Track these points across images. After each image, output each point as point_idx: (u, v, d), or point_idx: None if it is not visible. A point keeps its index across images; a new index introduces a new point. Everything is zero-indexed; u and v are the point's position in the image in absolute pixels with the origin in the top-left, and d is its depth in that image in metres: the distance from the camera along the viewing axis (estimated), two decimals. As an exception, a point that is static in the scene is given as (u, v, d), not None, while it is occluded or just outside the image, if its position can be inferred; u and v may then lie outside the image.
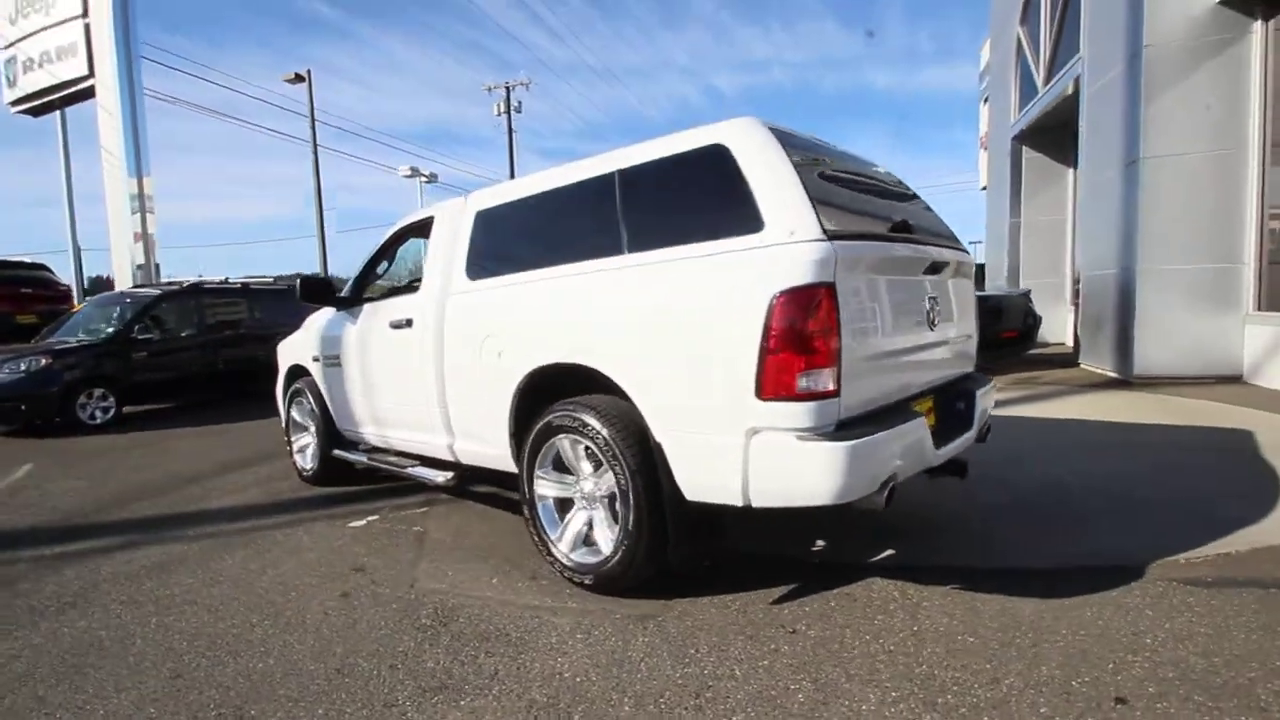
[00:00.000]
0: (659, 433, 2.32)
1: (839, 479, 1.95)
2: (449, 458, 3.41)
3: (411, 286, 4.40)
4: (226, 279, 9.66)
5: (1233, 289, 6.38)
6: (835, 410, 2.02)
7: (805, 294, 1.95)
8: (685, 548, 2.39)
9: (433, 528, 3.55)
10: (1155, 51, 6.38)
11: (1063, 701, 1.79)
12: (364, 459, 4.04)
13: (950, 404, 2.74)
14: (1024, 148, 11.87)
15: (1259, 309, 6.29)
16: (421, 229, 3.98)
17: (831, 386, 1.99)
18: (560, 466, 2.78)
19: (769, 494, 2.09)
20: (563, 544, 2.72)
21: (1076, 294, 9.04)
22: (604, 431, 2.43)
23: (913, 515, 3.28)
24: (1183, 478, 3.73)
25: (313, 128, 21.62)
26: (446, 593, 2.71)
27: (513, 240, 3.08)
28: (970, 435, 2.73)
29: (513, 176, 32.28)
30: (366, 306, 3.97)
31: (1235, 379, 6.44)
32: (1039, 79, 10.13)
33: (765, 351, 1.98)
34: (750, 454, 2.07)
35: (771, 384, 1.98)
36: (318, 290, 4.07)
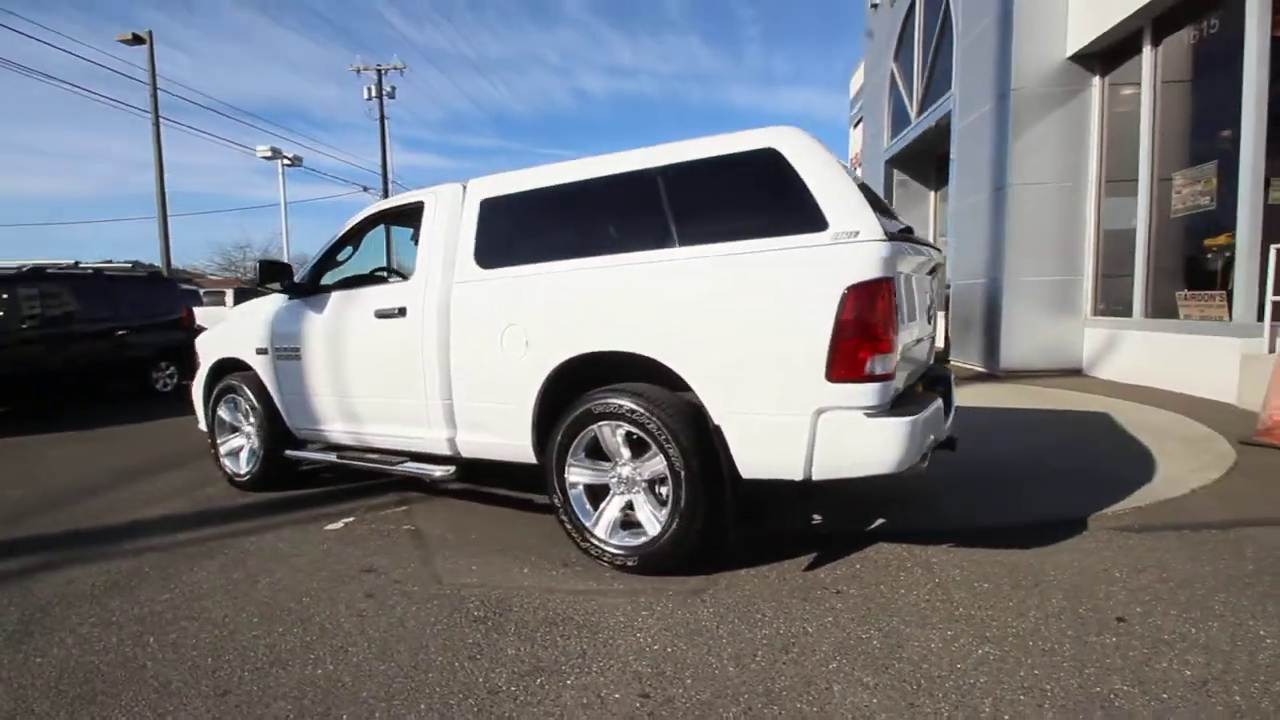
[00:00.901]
0: (718, 415, 2.46)
1: (901, 450, 2.22)
2: (446, 452, 3.29)
3: (374, 276, 4.17)
4: (76, 263, 8.31)
5: (1076, 297, 7.68)
6: (891, 391, 2.29)
7: (873, 288, 2.19)
8: (740, 524, 2.55)
9: (424, 526, 3.40)
10: (1020, 94, 7.53)
11: (1079, 624, 2.17)
12: (331, 458, 3.76)
13: (935, 387, 3.14)
14: (895, 170, 13.30)
15: (1095, 314, 7.63)
16: (403, 215, 3.80)
17: (892, 370, 2.25)
18: (594, 454, 2.82)
19: (832, 467, 2.31)
20: (599, 529, 2.76)
21: (945, 300, 10.32)
22: (656, 416, 2.52)
23: (876, 490, 3.66)
24: (1077, 449, 4.48)
25: (154, 96, 19.01)
26: (481, 586, 2.65)
27: (532, 229, 3.06)
28: (953, 414, 3.14)
29: (385, 164, 30.44)
30: (335, 295, 3.70)
31: (1077, 371, 7.74)
32: (912, 111, 11.45)
33: (837, 338, 2.19)
34: (817, 431, 2.28)
35: (842, 367, 2.20)
36: (278, 275, 3.72)
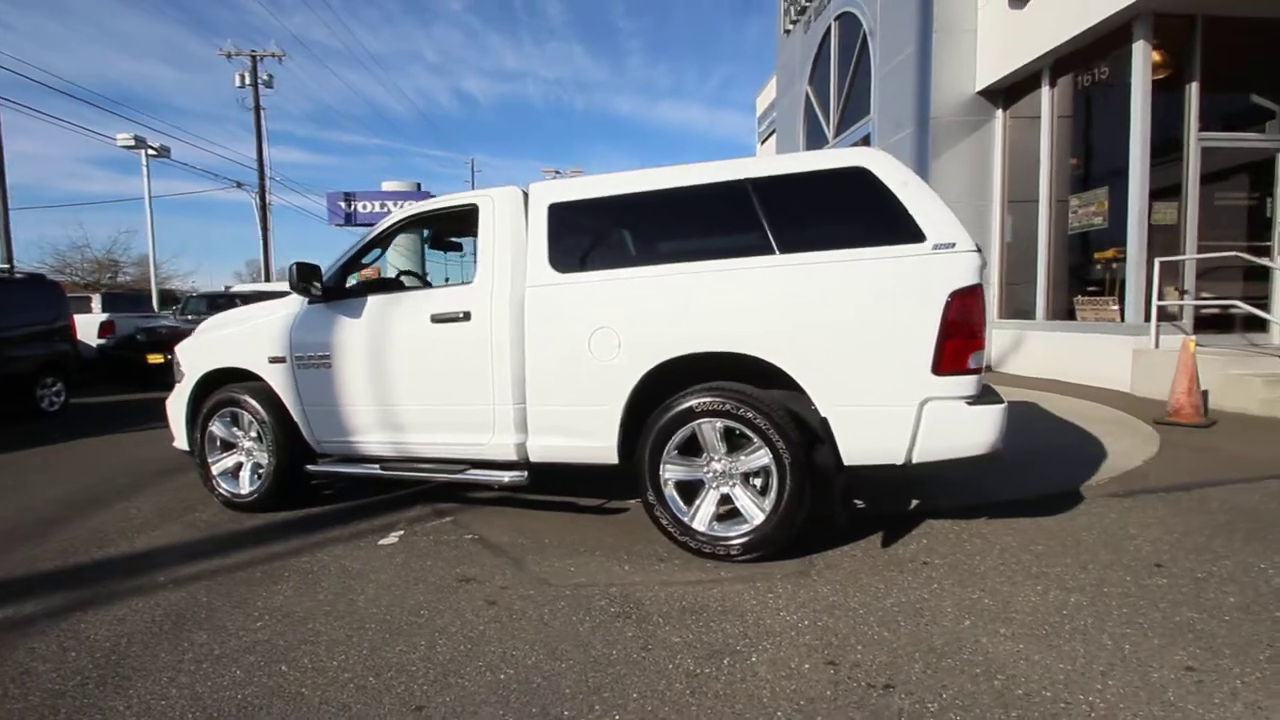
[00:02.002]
0: (825, 408, 2.69)
1: (996, 433, 2.56)
2: (512, 457, 3.27)
3: (400, 280, 4.02)
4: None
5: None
6: (982, 382, 2.63)
7: (972, 292, 2.52)
8: (840, 508, 2.79)
9: (486, 534, 3.34)
10: (938, 122, 8.48)
11: (1130, 572, 2.61)
12: (373, 470, 3.57)
13: None
14: (808, 183, 14.27)
15: (1001, 317, 8.73)
16: (445, 219, 3.72)
17: (985, 364, 2.59)
18: (686, 450, 2.95)
19: (934, 451, 2.61)
20: (698, 523, 2.89)
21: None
22: (763, 411, 2.71)
23: (888, 475, 4.06)
24: (1027, 433, 5.16)
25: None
26: (593, 585, 2.69)
27: (616, 235, 3.14)
28: None
29: (261, 157, 28.05)
30: (373, 299, 3.54)
31: (987, 368, 8.81)
32: (829, 130, 12.40)
33: (944, 337, 2.50)
34: (922, 420, 2.57)
35: (948, 362, 2.51)
36: (310, 278, 3.49)
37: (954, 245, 2.58)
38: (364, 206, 40.59)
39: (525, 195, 3.34)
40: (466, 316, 3.24)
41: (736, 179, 2.93)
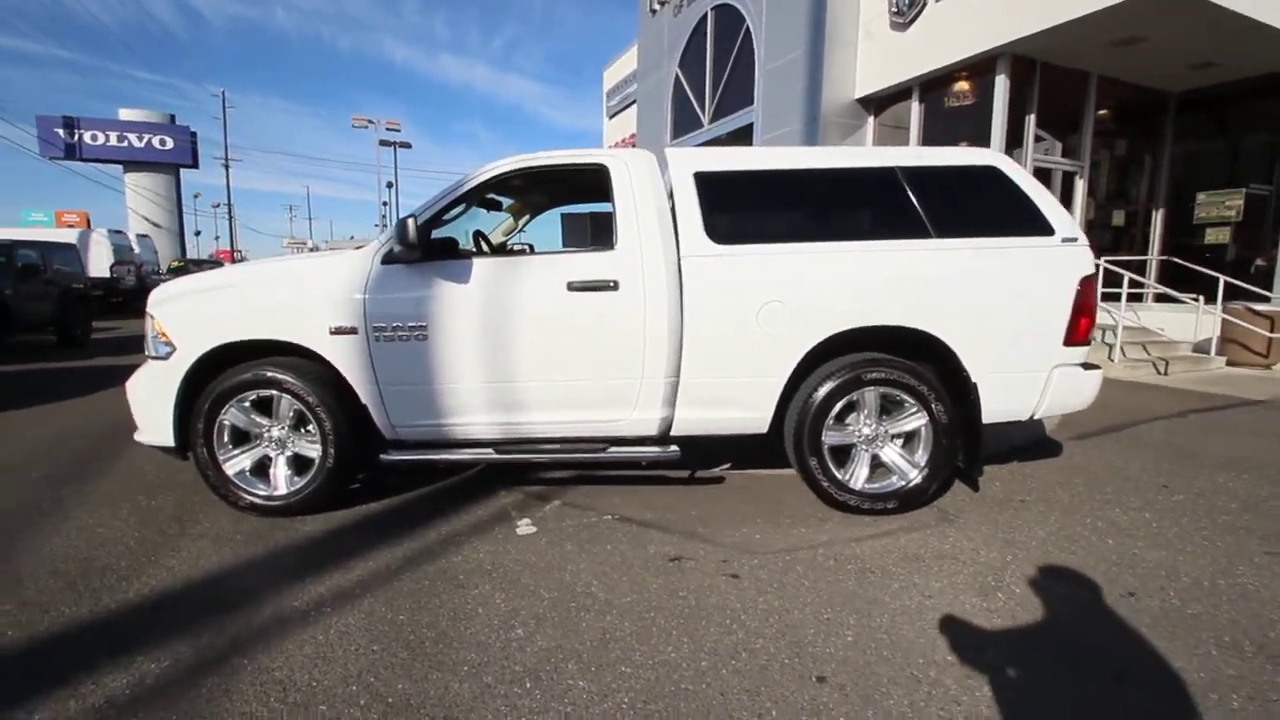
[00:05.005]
0: (977, 375, 3.09)
1: (1096, 392, 3.21)
2: (652, 432, 3.19)
3: (506, 246, 3.55)
4: None
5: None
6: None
7: (1092, 279, 3.10)
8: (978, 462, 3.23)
9: (624, 512, 3.22)
10: (826, 119, 9.50)
11: (1154, 493, 3.46)
12: (487, 454, 3.17)
13: None
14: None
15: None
16: (557, 177, 3.40)
17: (1093, 337, 3.20)
18: (840, 417, 3.17)
19: (1053, 407, 3.17)
20: (856, 483, 3.15)
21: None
22: (924, 378, 3.05)
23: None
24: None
25: None
26: (798, 549, 2.80)
27: (769, 209, 3.17)
28: None
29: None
30: (482, 262, 3.12)
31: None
32: (704, 116, 13.00)
33: (1075, 315, 3.05)
34: (1050, 382, 3.11)
35: (1075, 334, 3.07)
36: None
37: (1077, 240, 3.14)
38: (94, 137, 33.02)
39: (665, 161, 3.22)
40: (614, 285, 3.04)
41: (887, 166, 3.18)
